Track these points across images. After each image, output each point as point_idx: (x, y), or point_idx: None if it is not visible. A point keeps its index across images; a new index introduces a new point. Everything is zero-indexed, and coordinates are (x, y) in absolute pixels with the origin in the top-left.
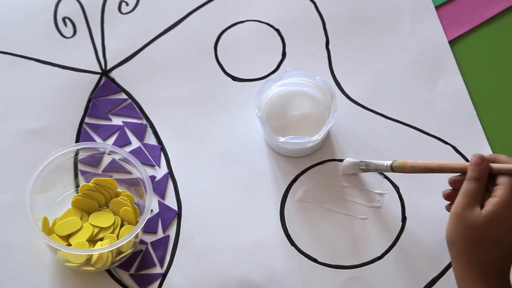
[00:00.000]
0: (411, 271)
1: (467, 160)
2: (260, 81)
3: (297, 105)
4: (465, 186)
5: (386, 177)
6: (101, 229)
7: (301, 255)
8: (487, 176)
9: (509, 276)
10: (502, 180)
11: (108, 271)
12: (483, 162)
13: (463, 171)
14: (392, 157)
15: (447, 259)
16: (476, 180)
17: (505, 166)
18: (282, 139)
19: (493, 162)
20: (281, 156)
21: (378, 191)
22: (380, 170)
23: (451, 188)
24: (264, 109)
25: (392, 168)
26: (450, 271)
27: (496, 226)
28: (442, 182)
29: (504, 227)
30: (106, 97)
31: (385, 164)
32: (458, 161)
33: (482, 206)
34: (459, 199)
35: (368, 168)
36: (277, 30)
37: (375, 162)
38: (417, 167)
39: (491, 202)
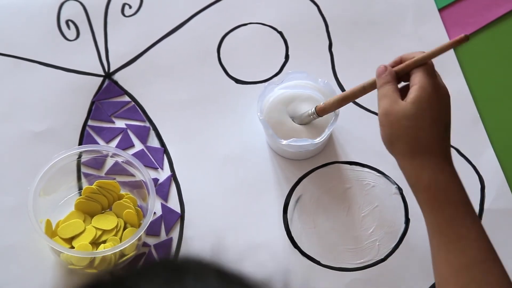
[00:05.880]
0: (414, 273)
1: (471, 163)
2: (263, 83)
3: (299, 108)
4: (380, 91)
5: (390, 179)
6: (104, 231)
7: (304, 257)
8: (395, 77)
9: (450, 153)
10: (415, 71)
11: None
12: (386, 68)
13: (373, 86)
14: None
15: None
16: (387, 83)
17: (411, 61)
18: (284, 142)
19: (400, 63)
20: (284, 158)
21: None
22: (310, 119)
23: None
24: (266, 112)
25: (317, 113)
26: None
27: (424, 108)
28: None
29: (432, 107)
30: (109, 100)
31: (310, 111)
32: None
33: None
34: (380, 103)
35: (301, 121)
36: (280, 33)
37: (302, 113)
38: (334, 101)
39: (413, 89)
